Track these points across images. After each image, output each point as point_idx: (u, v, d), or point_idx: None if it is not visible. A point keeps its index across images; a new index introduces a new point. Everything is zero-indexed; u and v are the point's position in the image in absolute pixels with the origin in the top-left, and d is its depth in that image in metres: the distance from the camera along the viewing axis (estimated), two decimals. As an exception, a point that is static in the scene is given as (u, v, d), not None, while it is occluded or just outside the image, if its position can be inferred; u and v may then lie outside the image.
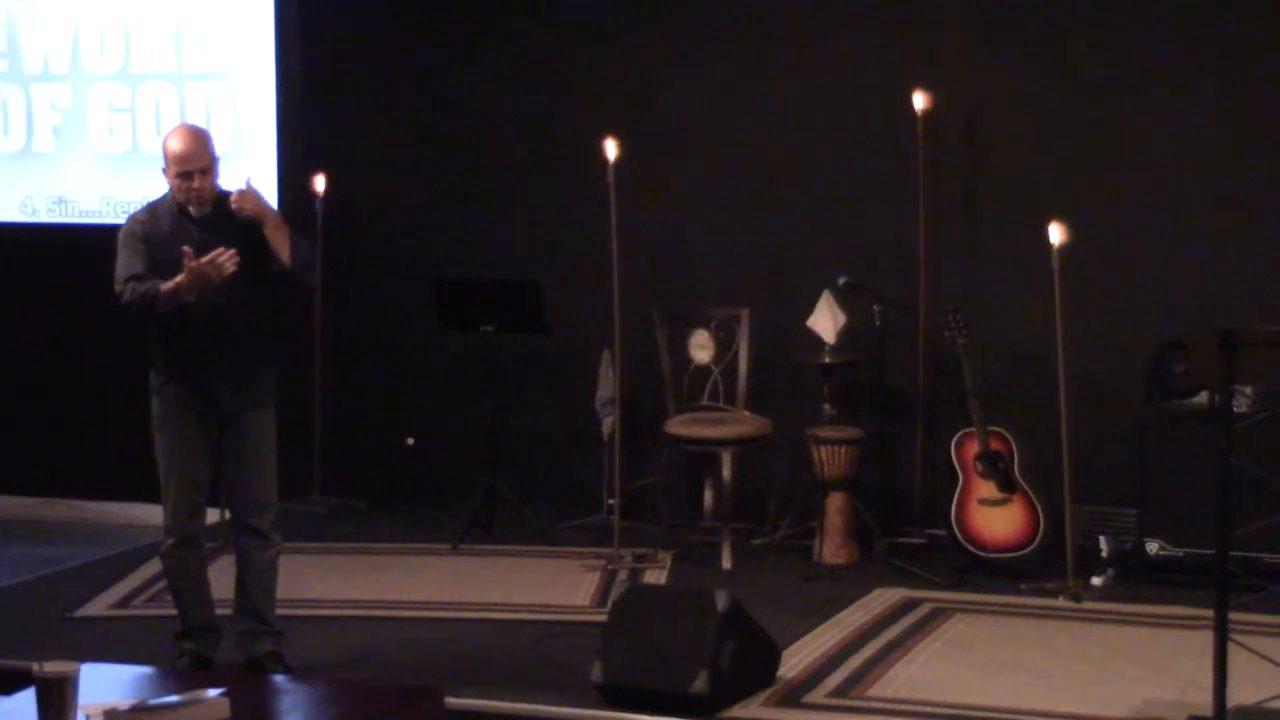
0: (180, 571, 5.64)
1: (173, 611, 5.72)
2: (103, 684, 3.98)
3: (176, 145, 5.49)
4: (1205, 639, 4.93)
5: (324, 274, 8.02)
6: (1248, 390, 6.26)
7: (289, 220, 5.66)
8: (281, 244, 5.50)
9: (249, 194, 5.51)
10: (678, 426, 7.27)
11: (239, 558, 5.67)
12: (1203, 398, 6.66)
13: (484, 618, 6.33)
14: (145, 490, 8.37)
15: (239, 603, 5.66)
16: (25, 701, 3.73)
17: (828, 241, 7.62)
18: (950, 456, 6.95)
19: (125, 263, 5.45)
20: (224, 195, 5.56)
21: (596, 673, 5.22)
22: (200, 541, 5.71)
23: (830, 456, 7.04)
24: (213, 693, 3.87)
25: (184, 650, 5.64)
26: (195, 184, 5.45)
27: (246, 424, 5.56)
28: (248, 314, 5.51)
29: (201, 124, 8.12)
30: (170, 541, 5.59)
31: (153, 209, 5.57)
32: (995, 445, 6.87)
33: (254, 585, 5.62)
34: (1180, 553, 6.61)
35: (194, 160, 5.46)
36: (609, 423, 7.57)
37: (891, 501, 7.48)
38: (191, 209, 5.49)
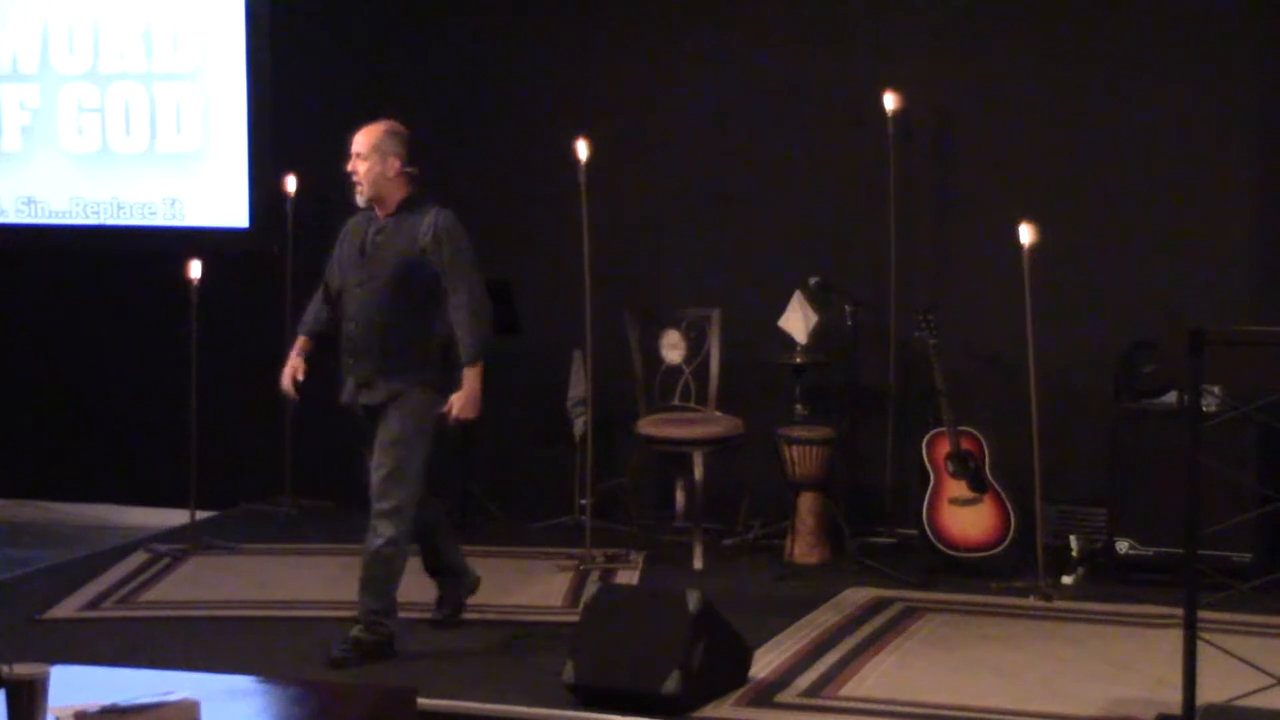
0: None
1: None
2: (73, 686, 3.96)
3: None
4: (1175, 638, 4.95)
5: (294, 273, 8.02)
6: (1216, 390, 6.28)
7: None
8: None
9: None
10: (649, 427, 7.27)
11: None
12: (1171, 397, 6.70)
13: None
14: (115, 492, 8.37)
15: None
16: (-6, 704, 3.71)
17: (799, 242, 7.63)
18: (921, 456, 6.96)
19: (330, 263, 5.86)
20: (409, 200, 5.71)
21: (568, 673, 5.22)
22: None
23: (801, 456, 7.05)
24: (183, 695, 3.85)
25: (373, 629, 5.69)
26: (349, 167, 5.71)
27: (384, 415, 5.75)
28: (392, 314, 5.70)
29: (171, 124, 8.14)
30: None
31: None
32: (966, 445, 6.89)
33: (363, 569, 5.72)
34: (1150, 551, 6.64)
35: (352, 144, 5.72)
36: (580, 423, 7.56)
37: (863, 501, 7.48)
38: (358, 198, 5.72)
